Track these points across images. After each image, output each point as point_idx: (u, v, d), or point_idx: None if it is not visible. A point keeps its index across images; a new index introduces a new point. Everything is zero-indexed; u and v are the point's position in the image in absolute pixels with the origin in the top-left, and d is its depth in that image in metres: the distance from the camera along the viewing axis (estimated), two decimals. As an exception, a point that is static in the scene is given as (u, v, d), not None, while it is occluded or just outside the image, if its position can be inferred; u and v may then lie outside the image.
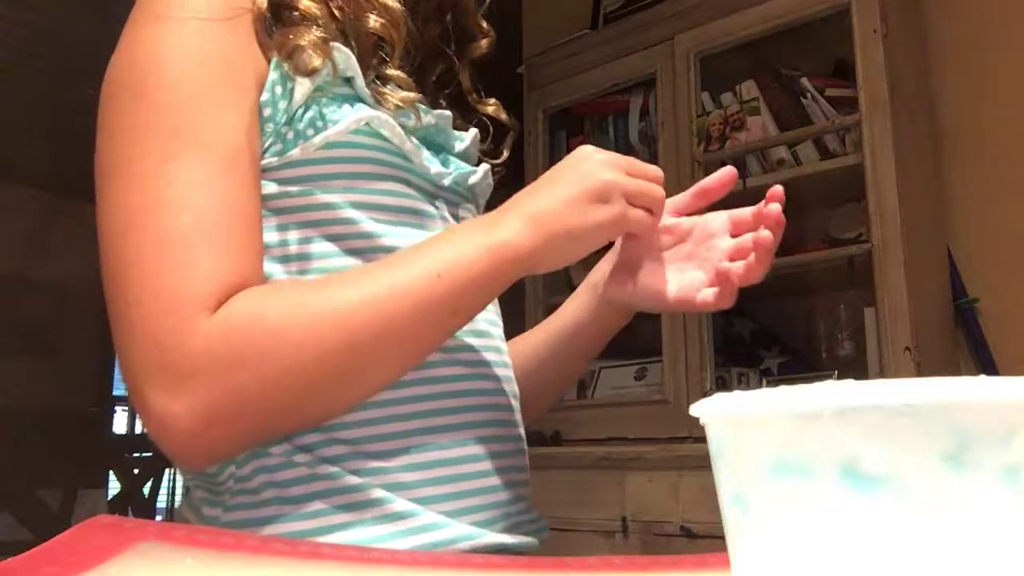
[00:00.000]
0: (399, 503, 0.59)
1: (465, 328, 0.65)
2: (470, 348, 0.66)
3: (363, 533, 0.58)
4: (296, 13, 0.64)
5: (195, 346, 0.53)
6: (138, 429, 5.30)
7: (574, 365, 0.84)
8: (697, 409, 0.29)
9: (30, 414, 3.52)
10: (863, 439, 0.24)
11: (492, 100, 0.80)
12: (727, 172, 0.71)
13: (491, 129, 0.80)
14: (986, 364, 1.84)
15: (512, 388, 0.70)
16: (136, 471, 3.47)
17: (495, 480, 0.64)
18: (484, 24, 0.80)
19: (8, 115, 3.68)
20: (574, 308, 0.80)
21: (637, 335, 2.09)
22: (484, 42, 0.80)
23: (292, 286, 0.59)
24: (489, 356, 0.68)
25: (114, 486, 3.55)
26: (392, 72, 0.68)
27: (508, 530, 0.64)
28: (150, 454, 3.58)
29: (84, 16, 3.15)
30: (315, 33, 0.63)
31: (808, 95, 1.97)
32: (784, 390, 0.25)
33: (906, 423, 0.23)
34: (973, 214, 1.92)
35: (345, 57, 0.64)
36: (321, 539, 0.57)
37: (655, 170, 0.66)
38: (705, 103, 2.12)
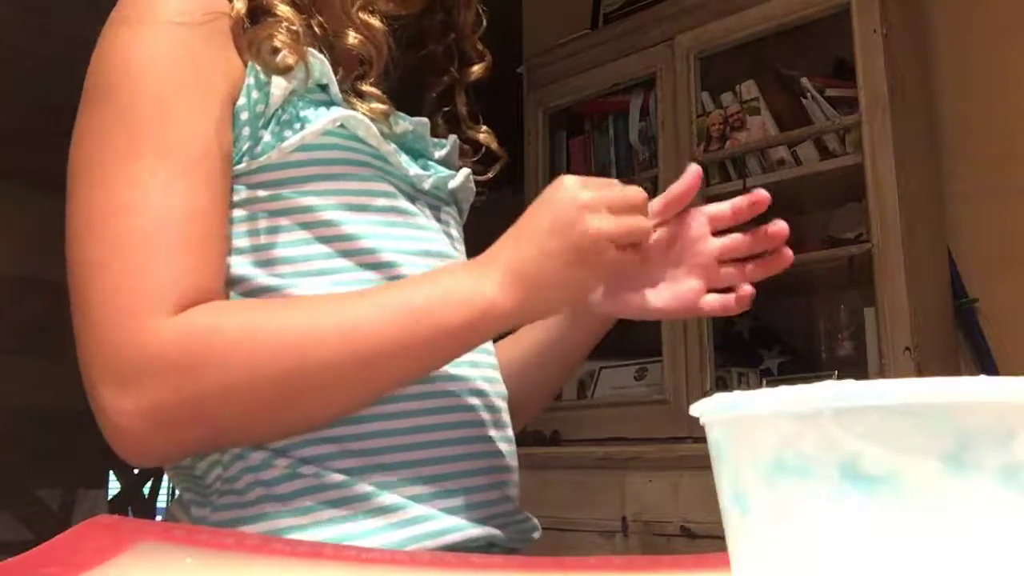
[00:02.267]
0: (387, 496, 0.59)
1: None
2: None
3: (353, 527, 0.58)
4: (273, 18, 0.64)
5: (150, 348, 0.53)
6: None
7: (560, 372, 0.84)
8: (697, 409, 0.29)
9: (30, 414, 3.52)
10: (863, 439, 0.24)
11: (484, 128, 0.80)
12: (692, 174, 0.68)
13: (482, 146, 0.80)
14: (986, 364, 1.84)
15: (499, 388, 0.70)
16: (136, 471, 3.47)
17: (482, 479, 0.65)
18: (480, 47, 0.80)
19: (8, 115, 3.68)
20: (556, 319, 0.80)
21: (637, 335, 2.09)
22: (478, 67, 0.80)
23: (258, 304, 0.59)
24: (477, 357, 0.68)
25: (114, 486, 3.56)
26: (368, 89, 0.68)
27: (498, 528, 0.64)
28: (150, 454, 3.58)
29: (85, 15, 3.15)
30: (288, 29, 0.63)
31: (808, 95, 1.97)
32: (784, 390, 0.25)
33: (906, 423, 0.23)
34: (973, 214, 1.92)
35: (320, 63, 0.64)
36: (311, 534, 0.57)
37: (637, 196, 0.62)
38: (705, 103, 2.12)
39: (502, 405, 0.70)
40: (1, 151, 3.94)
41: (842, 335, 1.95)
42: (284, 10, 0.64)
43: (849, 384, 0.24)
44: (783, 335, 2.14)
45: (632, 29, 2.26)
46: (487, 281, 0.59)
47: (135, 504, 3.40)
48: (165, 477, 4.20)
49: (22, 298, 4.40)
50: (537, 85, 2.47)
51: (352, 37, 0.67)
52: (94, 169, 0.57)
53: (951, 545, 0.23)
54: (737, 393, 0.27)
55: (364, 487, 0.59)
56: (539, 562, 0.54)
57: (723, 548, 0.29)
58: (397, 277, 0.63)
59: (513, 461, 0.70)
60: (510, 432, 0.70)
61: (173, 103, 0.59)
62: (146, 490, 3.45)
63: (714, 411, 0.28)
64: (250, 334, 0.55)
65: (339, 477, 0.59)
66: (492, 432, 0.67)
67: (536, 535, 0.69)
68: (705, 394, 0.26)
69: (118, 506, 3.43)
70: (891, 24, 1.82)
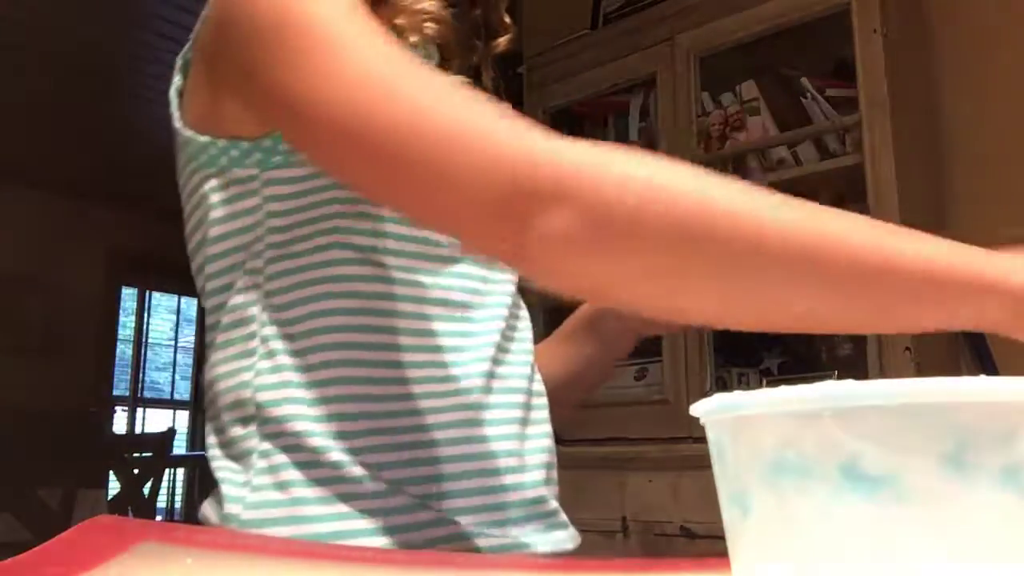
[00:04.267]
0: (430, 513, 0.59)
1: (498, 357, 0.66)
2: (502, 361, 0.67)
3: (388, 541, 0.58)
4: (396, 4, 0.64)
5: (550, 168, 0.48)
6: (138, 429, 5.31)
7: (592, 386, 0.89)
8: (697, 409, 0.29)
9: (30, 414, 3.52)
10: (863, 439, 0.24)
11: (506, 104, 0.81)
12: None
13: None
14: (986, 364, 1.84)
15: (543, 400, 0.71)
16: (136, 471, 3.47)
17: (531, 492, 0.65)
18: (508, 20, 0.79)
19: (8, 115, 3.68)
20: (586, 351, 0.84)
21: (637, 335, 2.09)
22: (504, 39, 0.78)
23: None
24: (524, 370, 0.69)
25: (114, 486, 3.55)
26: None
27: (540, 531, 0.66)
28: (150, 454, 3.58)
29: (86, 15, 3.15)
30: (422, 10, 0.64)
31: (808, 95, 1.97)
32: (784, 390, 0.25)
33: (906, 423, 0.23)
34: (973, 214, 1.92)
35: (427, 56, 0.65)
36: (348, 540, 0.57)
37: None
38: (705, 103, 2.12)
39: (544, 414, 0.70)
40: (1, 151, 3.94)
41: (842, 335, 1.95)
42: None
43: (849, 384, 0.24)
44: (783, 335, 2.14)
45: (632, 29, 2.27)
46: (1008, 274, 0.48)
47: (135, 504, 3.40)
48: (165, 477, 4.19)
49: (22, 298, 4.40)
50: (537, 85, 2.47)
51: (429, 26, 0.66)
52: (342, 37, 0.53)
53: (951, 545, 0.23)
54: (737, 393, 0.27)
55: (402, 499, 0.59)
56: (539, 562, 0.54)
57: (723, 548, 0.29)
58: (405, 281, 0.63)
59: (554, 473, 0.70)
60: (551, 442, 0.71)
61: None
62: (146, 490, 3.44)
63: (714, 411, 0.28)
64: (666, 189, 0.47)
65: (380, 487, 0.58)
66: (537, 444, 0.68)
67: (574, 544, 0.70)
68: (705, 394, 0.26)
69: (118, 506, 3.43)
70: (891, 24, 1.82)
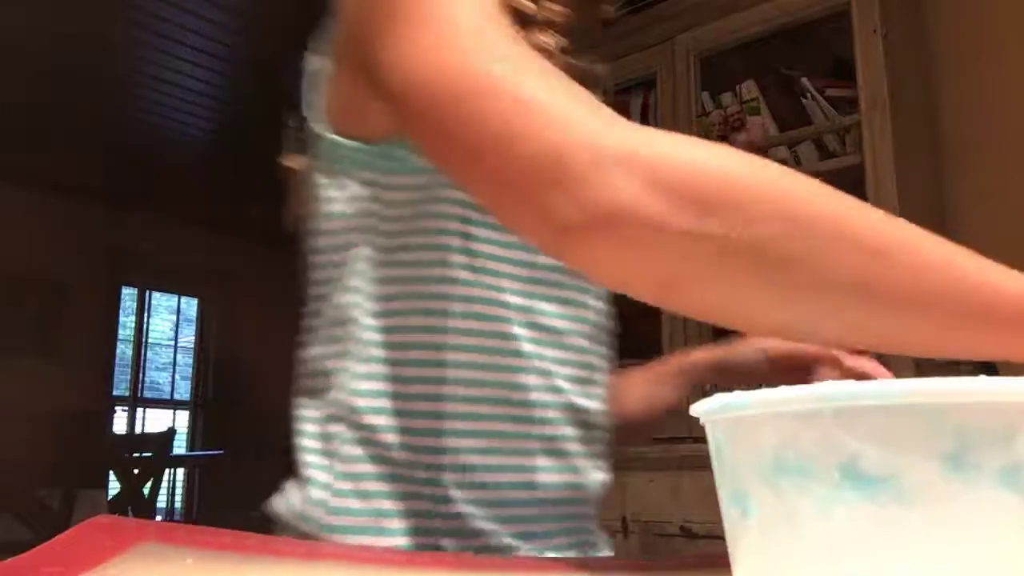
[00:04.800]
0: (504, 539, 0.60)
1: (573, 373, 0.65)
2: (580, 379, 0.66)
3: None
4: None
5: (621, 143, 0.44)
6: (138, 429, 5.31)
7: (648, 437, 0.90)
8: (697, 409, 0.29)
9: (30, 414, 3.53)
10: (863, 439, 0.24)
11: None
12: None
13: None
14: (986, 364, 1.84)
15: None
16: (136, 471, 3.47)
17: (573, 510, 0.66)
18: None
19: (8, 115, 3.68)
20: (670, 400, 0.89)
21: (637, 335, 2.09)
22: (610, 7, 0.75)
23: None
24: (603, 406, 0.69)
25: (114, 486, 3.56)
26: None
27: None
28: (150, 454, 3.59)
29: (85, 15, 3.15)
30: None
31: (808, 95, 1.97)
32: (784, 390, 0.25)
33: (906, 423, 0.23)
34: (973, 214, 1.92)
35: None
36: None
37: None
38: (705, 103, 2.12)
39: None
40: (1, 151, 3.94)
41: (842, 335, 1.95)
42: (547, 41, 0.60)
43: (849, 384, 0.24)
44: (783, 335, 2.14)
45: (632, 29, 2.27)
46: None
47: (135, 504, 3.40)
48: (165, 477, 4.19)
49: (22, 298, 4.40)
50: (537, 85, 2.47)
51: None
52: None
53: (951, 545, 0.23)
54: (737, 393, 0.27)
55: (485, 524, 0.59)
56: (538, 562, 0.54)
57: (723, 548, 0.29)
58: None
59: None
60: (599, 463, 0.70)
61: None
62: (146, 490, 3.45)
63: (714, 411, 0.28)
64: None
65: (455, 509, 0.59)
66: (589, 463, 0.67)
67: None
68: (705, 394, 0.26)
69: (118, 506, 3.43)
70: (891, 24, 1.82)
